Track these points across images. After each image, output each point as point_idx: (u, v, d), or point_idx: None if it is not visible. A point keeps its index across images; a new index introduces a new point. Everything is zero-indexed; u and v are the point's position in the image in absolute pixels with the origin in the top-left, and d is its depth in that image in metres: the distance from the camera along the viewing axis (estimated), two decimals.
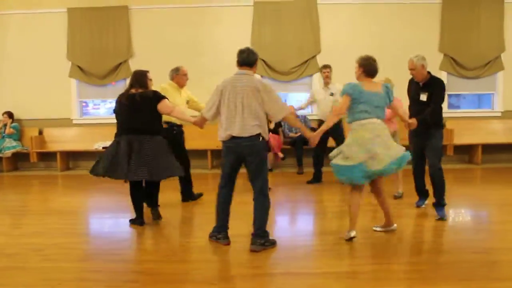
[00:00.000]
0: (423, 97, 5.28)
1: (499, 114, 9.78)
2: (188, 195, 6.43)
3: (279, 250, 4.25)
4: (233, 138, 4.30)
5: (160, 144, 5.03)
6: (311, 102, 8.12)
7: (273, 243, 4.35)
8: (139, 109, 5.00)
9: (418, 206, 5.82)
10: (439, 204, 5.32)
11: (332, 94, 7.48)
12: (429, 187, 5.52)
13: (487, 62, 9.65)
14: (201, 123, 4.73)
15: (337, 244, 4.44)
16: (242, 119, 4.24)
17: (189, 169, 6.32)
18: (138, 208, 5.26)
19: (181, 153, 6.00)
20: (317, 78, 9.48)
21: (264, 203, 4.32)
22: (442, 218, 5.23)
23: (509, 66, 9.69)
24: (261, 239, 4.26)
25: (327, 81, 7.65)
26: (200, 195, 6.52)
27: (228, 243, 4.42)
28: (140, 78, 5.22)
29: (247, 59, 4.40)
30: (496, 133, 9.67)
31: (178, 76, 6.29)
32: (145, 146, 4.91)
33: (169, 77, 6.38)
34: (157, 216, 5.45)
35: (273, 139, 8.87)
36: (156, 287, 3.46)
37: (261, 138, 4.30)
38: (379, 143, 4.33)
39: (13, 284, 3.53)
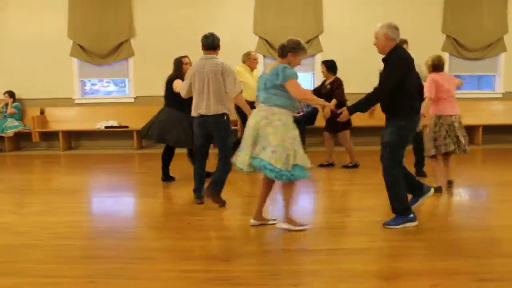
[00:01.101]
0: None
1: (500, 96, 9.84)
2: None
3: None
4: (201, 115, 5.01)
5: (171, 114, 6.11)
6: None
7: (222, 203, 5.00)
8: (166, 87, 6.20)
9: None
10: (393, 210, 4.40)
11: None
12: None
13: (490, 43, 9.69)
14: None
15: (342, 222, 4.54)
16: (208, 100, 4.93)
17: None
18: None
19: None
20: (320, 58, 9.47)
21: (223, 167, 4.99)
22: (388, 225, 4.34)
23: (511, 47, 9.70)
24: (214, 190, 4.93)
25: None
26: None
27: (201, 203, 5.18)
28: (175, 63, 6.32)
29: (212, 44, 5.02)
30: (497, 114, 9.73)
31: (249, 60, 7.18)
32: (161, 114, 6.22)
33: (241, 60, 7.31)
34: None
35: None
36: (174, 264, 3.51)
37: (225, 116, 4.99)
38: (252, 134, 4.11)
39: (28, 261, 3.57)
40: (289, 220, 4.24)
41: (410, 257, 3.65)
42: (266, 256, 3.71)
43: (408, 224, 4.32)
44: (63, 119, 9.93)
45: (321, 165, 7.45)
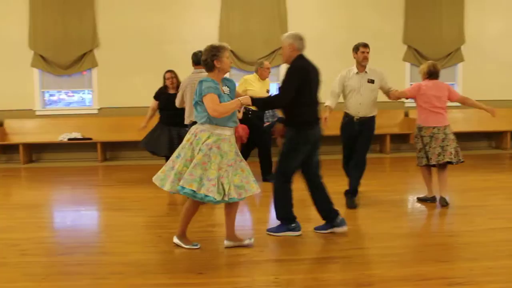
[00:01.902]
0: None
1: (459, 104, 10.12)
2: (265, 173, 7.00)
3: (262, 239, 4.31)
4: (194, 122, 4.65)
5: None
6: None
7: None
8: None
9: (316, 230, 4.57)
10: (277, 217, 4.46)
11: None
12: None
13: (448, 53, 10.03)
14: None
15: (312, 231, 4.53)
16: None
17: (268, 151, 7.08)
18: None
19: (258, 136, 7.09)
20: (285, 68, 9.56)
21: None
22: (269, 231, 4.44)
23: (468, 57, 10.09)
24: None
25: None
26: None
27: None
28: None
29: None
30: (456, 122, 10.00)
31: (261, 69, 7.14)
32: None
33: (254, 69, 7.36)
34: None
35: (241, 129, 8.87)
36: (143, 278, 3.45)
37: None
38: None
39: None
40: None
41: (382, 264, 3.71)
42: (240, 267, 3.70)
43: (289, 233, 4.38)
44: (24, 131, 9.61)
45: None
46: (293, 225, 4.41)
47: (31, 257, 3.94)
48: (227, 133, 3.88)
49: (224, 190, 3.77)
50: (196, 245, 4.09)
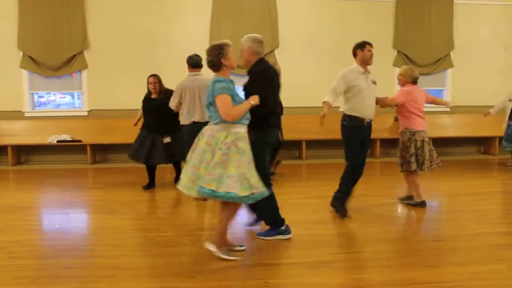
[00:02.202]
0: None
1: (448, 109, 10.25)
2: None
3: (251, 243, 4.32)
4: (194, 122, 5.78)
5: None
6: None
7: None
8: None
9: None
10: (265, 222, 4.55)
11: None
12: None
13: (438, 59, 10.14)
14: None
15: (303, 235, 4.56)
16: (200, 109, 5.78)
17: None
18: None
19: None
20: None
21: None
22: (260, 236, 4.46)
23: (457, 63, 10.20)
24: None
25: None
26: None
27: None
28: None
29: (198, 63, 6.02)
30: (446, 127, 10.14)
31: None
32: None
33: None
34: None
35: None
36: (133, 282, 3.44)
37: None
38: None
39: None
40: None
41: (371, 269, 3.74)
42: (230, 271, 3.69)
43: (280, 237, 4.40)
44: (12, 133, 9.52)
45: None
46: (282, 228, 4.41)
47: (20, 260, 3.91)
48: (242, 130, 3.89)
49: (250, 184, 3.71)
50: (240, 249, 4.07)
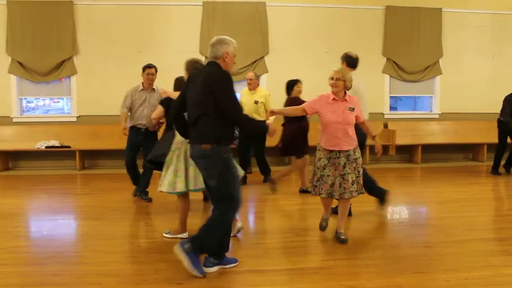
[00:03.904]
0: None
1: (437, 116, 10.34)
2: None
3: (242, 249, 4.31)
4: None
5: None
6: None
7: None
8: None
9: None
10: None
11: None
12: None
13: (427, 66, 10.22)
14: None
15: (294, 242, 4.57)
16: None
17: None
18: None
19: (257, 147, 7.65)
20: (265, 78, 9.65)
21: None
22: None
23: (446, 71, 10.29)
24: None
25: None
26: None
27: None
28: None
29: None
30: (435, 134, 10.21)
31: (247, 81, 7.68)
32: None
33: None
34: None
35: None
36: None
37: None
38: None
39: None
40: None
41: (360, 275, 3.74)
42: (220, 278, 3.68)
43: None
44: (0, 138, 9.43)
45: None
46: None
47: (7, 267, 3.88)
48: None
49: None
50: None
